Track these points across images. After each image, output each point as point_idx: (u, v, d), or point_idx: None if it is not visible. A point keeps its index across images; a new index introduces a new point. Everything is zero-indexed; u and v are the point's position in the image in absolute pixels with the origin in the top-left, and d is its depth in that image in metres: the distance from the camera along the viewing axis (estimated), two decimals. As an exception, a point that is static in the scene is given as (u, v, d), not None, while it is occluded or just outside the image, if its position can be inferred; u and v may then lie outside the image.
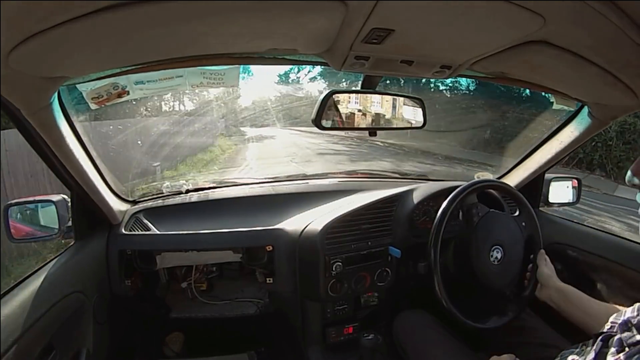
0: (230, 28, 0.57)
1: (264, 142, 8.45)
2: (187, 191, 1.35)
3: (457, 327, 1.00)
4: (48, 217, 1.01)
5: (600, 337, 0.61)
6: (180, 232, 1.14)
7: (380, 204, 1.17)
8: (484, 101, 8.27)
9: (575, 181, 1.38)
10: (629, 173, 0.59)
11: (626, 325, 0.57)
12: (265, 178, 1.51)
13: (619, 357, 0.54)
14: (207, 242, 1.14)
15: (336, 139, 9.49)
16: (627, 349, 0.54)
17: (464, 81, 8.40)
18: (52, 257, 0.93)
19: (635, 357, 0.50)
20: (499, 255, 0.97)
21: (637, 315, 0.57)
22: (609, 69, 0.68)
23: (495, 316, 0.97)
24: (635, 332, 0.55)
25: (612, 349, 0.56)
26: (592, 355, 0.59)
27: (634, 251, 1.02)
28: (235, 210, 1.27)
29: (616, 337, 0.57)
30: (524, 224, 1.04)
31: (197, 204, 1.31)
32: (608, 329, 0.62)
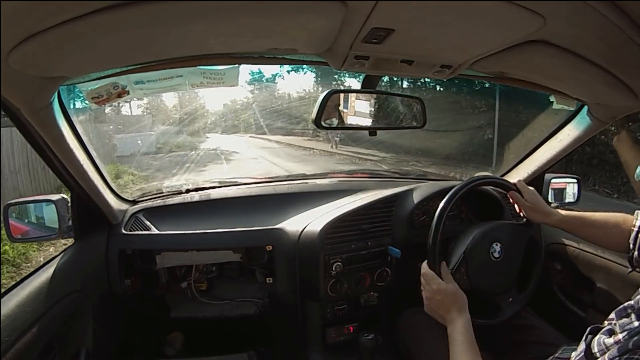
0: (230, 28, 0.57)
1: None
2: (187, 191, 1.35)
3: None
4: (48, 216, 1.01)
5: (590, 330, 0.61)
6: (180, 232, 1.14)
7: (380, 204, 1.17)
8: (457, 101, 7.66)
9: (575, 181, 1.38)
10: (638, 169, 0.59)
11: (625, 311, 0.57)
12: (265, 178, 1.51)
13: (610, 340, 0.54)
14: (207, 241, 1.14)
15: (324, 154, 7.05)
16: (619, 335, 0.54)
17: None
18: (52, 257, 0.93)
19: (635, 339, 0.50)
20: (498, 251, 0.97)
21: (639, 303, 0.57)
22: (609, 69, 0.68)
23: (499, 312, 0.97)
24: (634, 318, 0.55)
25: (603, 336, 0.56)
26: (582, 346, 0.59)
27: None
28: (235, 210, 1.27)
29: (607, 327, 0.57)
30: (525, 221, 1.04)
31: (197, 203, 1.31)
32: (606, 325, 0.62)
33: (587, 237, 0.93)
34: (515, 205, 0.99)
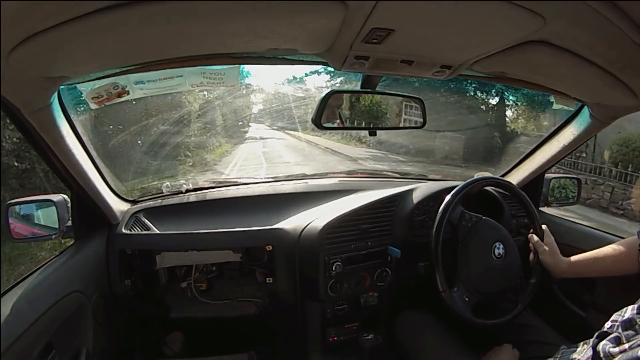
0: (230, 28, 0.57)
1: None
2: (187, 191, 1.34)
3: (457, 327, 1.01)
4: (48, 216, 1.01)
5: (596, 335, 0.61)
6: (180, 232, 1.14)
7: (380, 204, 1.17)
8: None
9: (575, 181, 1.39)
10: None
11: (630, 323, 0.58)
12: (265, 178, 1.51)
13: (616, 350, 0.54)
14: (207, 241, 1.14)
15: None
16: (626, 345, 0.54)
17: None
18: (52, 257, 0.93)
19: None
20: (501, 251, 0.98)
21: None
22: (609, 69, 0.68)
23: (500, 312, 0.97)
24: (639, 330, 0.55)
25: (609, 344, 0.56)
26: (589, 352, 0.60)
27: None
28: (235, 210, 1.27)
29: (613, 335, 0.58)
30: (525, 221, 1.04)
31: (196, 203, 1.31)
32: (608, 328, 0.62)
33: (601, 272, 0.95)
34: (530, 245, 1.02)
